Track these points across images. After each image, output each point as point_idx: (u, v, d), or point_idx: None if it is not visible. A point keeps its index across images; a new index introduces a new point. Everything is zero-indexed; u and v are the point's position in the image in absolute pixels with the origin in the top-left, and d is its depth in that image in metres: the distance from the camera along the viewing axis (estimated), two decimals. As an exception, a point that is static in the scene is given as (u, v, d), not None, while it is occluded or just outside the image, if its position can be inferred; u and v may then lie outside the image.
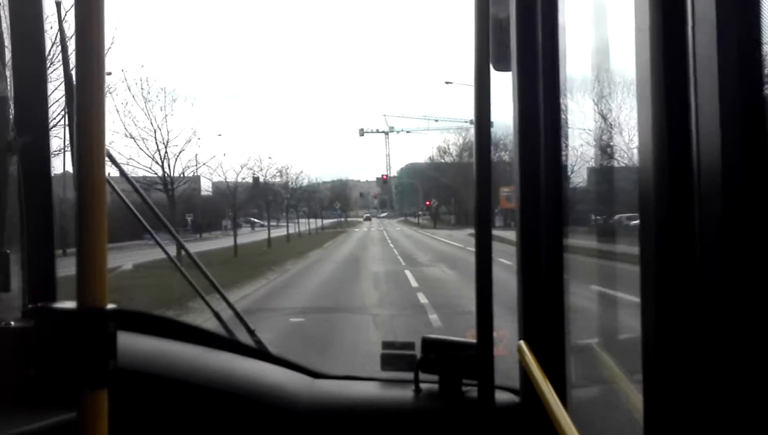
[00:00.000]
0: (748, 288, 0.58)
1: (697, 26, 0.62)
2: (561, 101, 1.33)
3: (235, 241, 23.80)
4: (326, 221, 66.74)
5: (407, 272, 16.95)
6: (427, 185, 69.36)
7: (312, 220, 52.74)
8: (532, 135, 1.34)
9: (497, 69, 1.40)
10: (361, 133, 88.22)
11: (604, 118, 1.38)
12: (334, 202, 79.46)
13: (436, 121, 73.29)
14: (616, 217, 1.38)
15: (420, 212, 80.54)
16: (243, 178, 30.37)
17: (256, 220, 50.40)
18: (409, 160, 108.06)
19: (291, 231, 39.57)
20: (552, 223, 1.32)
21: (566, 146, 1.37)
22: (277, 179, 35.71)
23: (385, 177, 68.22)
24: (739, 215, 0.58)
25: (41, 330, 0.79)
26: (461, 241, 29.60)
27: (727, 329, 0.60)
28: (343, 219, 78.49)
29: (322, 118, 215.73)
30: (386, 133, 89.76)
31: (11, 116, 1.37)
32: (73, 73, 1.29)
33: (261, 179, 32.46)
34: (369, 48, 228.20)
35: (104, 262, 0.74)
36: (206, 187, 36.60)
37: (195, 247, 22.36)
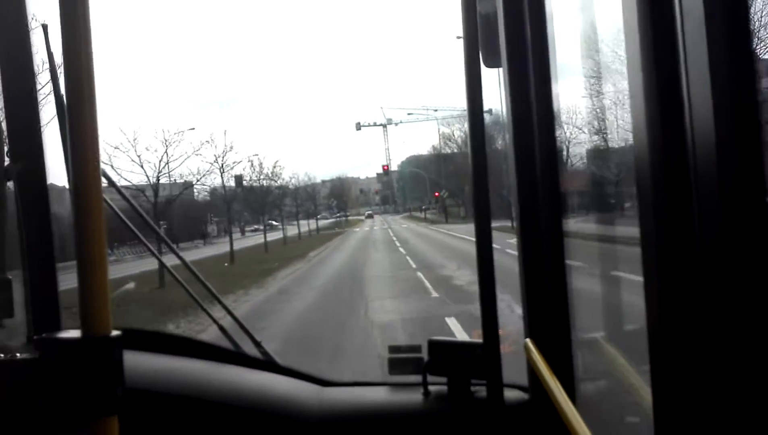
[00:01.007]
0: (750, 275, 0.60)
1: (685, 16, 0.65)
2: (552, 94, 1.38)
3: (160, 264, 17.09)
4: (324, 222, 63.46)
5: (454, 325, 8.26)
6: (432, 177, 67.37)
7: (309, 222, 50.29)
8: (526, 130, 1.38)
9: (488, 65, 1.45)
10: (358, 127, 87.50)
11: (596, 109, 1.43)
12: (331, 200, 74.99)
13: (436, 111, 72.74)
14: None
15: (424, 206, 79.68)
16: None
17: (273, 222, 47.62)
18: (410, 153, 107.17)
19: (276, 236, 36.20)
20: (551, 218, 1.36)
21: (560, 139, 1.41)
22: (247, 170, 30.92)
23: (386, 167, 65.80)
24: (736, 201, 0.61)
25: (47, 361, 0.81)
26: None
27: (731, 317, 0.62)
28: (341, 218, 74.37)
29: (317, 115, 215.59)
30: (384, 126, 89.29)
31: (5, 143, 1.43)
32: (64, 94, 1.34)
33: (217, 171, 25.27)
34: (362, 40, 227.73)
35: (106, 289, 0.76)
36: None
37: (146, 263, 15.39)
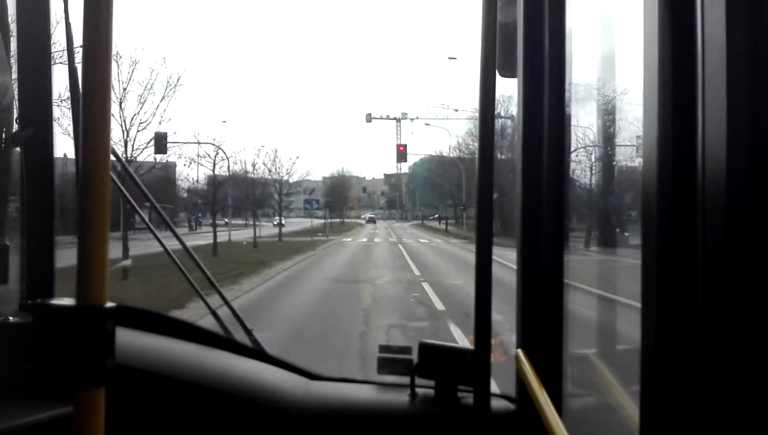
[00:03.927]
0: (751, 299, 0.66)
1: (707, 36, 0.71)
2: (566, 108, 1.55)
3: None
4: (313, 222, 53.10)
5: None
6: (455, 181, 61.72)
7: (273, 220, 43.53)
8: (536, 141, 1.55)
9: (503, 75, 1.62)
10: (369, 118, 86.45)
11: (609, 126, 1.62)
12: (311, 191, 58.75)
13: (456, 111, 71.58)
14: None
15: (438, 214, 76.81)
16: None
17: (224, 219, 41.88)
18: (425, 154, 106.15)
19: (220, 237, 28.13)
20: (553, 232, 1.54)
21: (570, 153, 1.59)
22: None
23: (402, 148, 57.62)
24: (742, 228, 0.67)
25: (40, 326, 0.92)
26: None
27: (728, 341, 0.68)
28: (329, 220, 59.25)
29: (323, 105, 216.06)
30: (398, 120, 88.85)
31: (15, 108, 1.62)
32: (79, 66, 1.52)
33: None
34: (380, 28, 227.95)
35: (105, 260, 0.84)
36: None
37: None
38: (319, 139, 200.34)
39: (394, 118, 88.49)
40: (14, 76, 1.61)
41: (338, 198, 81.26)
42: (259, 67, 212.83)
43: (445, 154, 69.24)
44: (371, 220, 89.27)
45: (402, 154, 54.53)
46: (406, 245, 34.35)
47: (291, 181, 41.93)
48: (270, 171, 39.26)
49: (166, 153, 25.30)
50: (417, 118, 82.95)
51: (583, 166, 1.74)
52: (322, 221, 56.70)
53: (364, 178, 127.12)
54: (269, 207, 43.63)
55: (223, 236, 30.46)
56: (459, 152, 60.45)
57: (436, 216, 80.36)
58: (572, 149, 1.62)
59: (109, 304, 0.84)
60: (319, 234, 44.87)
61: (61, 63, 1.68)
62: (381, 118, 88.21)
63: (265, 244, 31.36)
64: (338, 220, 78.05)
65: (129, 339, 1.53)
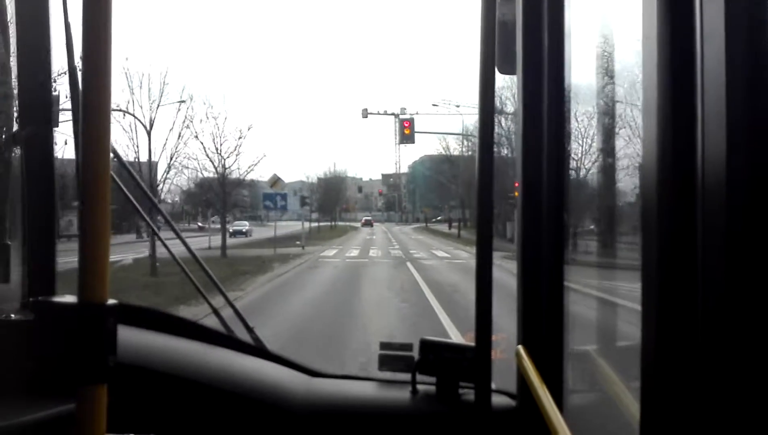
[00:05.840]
0: (750, 298, 0.70)
1: (705, 34, 0.75)
2: (565, 105, 1.65)
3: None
4: (287, 226, 43.98)
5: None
6: (463, 178, 57.08)
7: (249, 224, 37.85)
8: (536, 139, 1.65)
9: (502, 72, 1.73)
10: (365, 114, 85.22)
11: (608, 123, 1.72)
12: (275, 177, 36.31)
13: (458, 106, 70.66)
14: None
15: (440, 217, 75.16)
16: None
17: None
18: (424, 152, 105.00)
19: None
20: (553, 229, 1.63)
21: (570, 151, 1.70)
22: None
23: (407, 123, 47.23)
24: (742, 224, 0.71)
25: (41, 324, 0.96)
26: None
27: (728, 339, 0.72)
28: (308, 223, 48.34)
29: (314, 99, 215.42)
30: (396, 116, 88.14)
31: (15, 107, 1.72)
32: (79, 65, 1.61)
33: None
34: (376, 16, 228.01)
35: (106, 257, 0.88)
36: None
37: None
38: (310, 136, 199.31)
39: (392, 114, 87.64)
40: (14, 76, 1.71)
41: (330, 199, 77.78)
42: (233, 50, 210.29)
43: (452, 147, 65.20)
44: (368, 223, 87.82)
45: (408, 136, 41.32)
46: (420, 264, 23.93)
47: (237, 169, 29.54)
48: (204, 146, 28.03)
49: (57, 126, 23.26)
50: (417, 113, 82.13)
51: (582, 163, 1.85)
52: (308, 225, 45.54)
53: (361, 178, 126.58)
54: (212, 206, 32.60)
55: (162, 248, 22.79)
56: (470, 143, 56.83)
57: (440, 218, 79.58)
58: (572, 146, 1.72)
59: (111, 302, 0.88)
60: (297, 242, 35.34)
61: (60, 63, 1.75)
62: (378, 113, 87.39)
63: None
64: (329, 223, 75.37)
65: (130, 336, 1.61)
